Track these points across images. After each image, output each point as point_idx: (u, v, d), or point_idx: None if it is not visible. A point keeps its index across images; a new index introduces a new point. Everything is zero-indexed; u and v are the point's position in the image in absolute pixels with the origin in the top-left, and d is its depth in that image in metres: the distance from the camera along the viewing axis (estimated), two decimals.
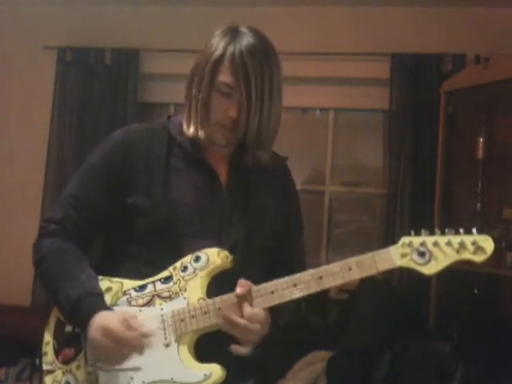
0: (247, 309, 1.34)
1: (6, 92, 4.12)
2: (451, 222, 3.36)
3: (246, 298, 1.35)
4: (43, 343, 1.48)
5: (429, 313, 3.32)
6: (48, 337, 1.47)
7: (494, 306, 3.03)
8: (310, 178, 4.00)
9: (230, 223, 1.46)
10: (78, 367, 1.41)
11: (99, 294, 1.40)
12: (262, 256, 1.51)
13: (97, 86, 3.94)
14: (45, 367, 1.46)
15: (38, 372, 3.31)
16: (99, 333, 1.34)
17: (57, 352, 1.45)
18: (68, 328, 1.45)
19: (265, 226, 1.51)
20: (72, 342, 1.43)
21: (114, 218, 1.47)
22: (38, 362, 3.38)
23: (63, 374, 1.42)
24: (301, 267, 1.60)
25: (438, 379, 2.78)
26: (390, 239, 3.53)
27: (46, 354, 1.46)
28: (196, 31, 3.78)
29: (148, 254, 1.43)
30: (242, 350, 1.35)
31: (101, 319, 1.35)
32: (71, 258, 1.44)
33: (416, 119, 3.56)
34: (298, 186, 1.66)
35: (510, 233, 3.05)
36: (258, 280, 1.38)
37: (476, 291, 2.86)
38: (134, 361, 1.37)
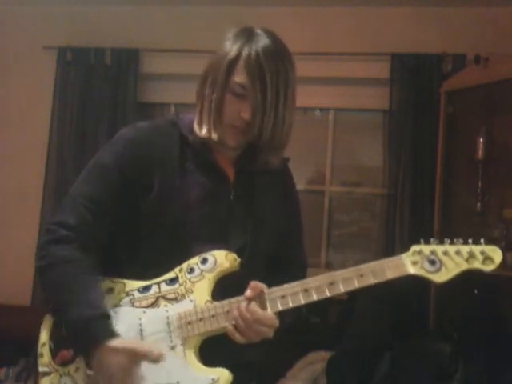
0: (259, 311, 1.32)
1: (6, 92, 4.12)
2: (451, 221, 3.35)
3: (256, 300, 1.33)
4: (39, 344, 1.43)
5: (429, 313, 3.32)
6: (44, 337, 1.42)
7: (494, 306, 3.03)
8: (310, 178, 4.00)
9: (238, 226, 1.45)
10: (77, 369, 1.37)
11: (107, 316, 1.35)
12: (266, 258, 1.51)
13: (97, 85, 3.93)
14: (41, 369, 1.41)
15: (34, 373, 3.31)
16: (115, 370, 1.30)
17: (54, 353, 1.40)
18: None
19: (269, 228, 1.51)
20: (70, 344, 1.39)
21: (124, 218, 1.43)
22: (32, 362, 3.39)
23: (60, 376, 1.38)
24: (301, 268, 1.61)
25: (438, 379, 2.77)
26: (390, 239, 3.53)
27: (41, 355, 1.41)
28: (196, 31, 3.80)
29: (155, 255, 1.41)
30: (239, 338, 1.32)
31: (110, 355, 1.30)
32: (81, 270, 1.38)
33: (416, 119, 3.56)
34: (298, 186, 1.66)
35: (510, 233, 3.05)
36: (261, 281, 1.36)
37: (476, 291, 2.86)
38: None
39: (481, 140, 3.18)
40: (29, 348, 3.22)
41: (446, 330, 3.18)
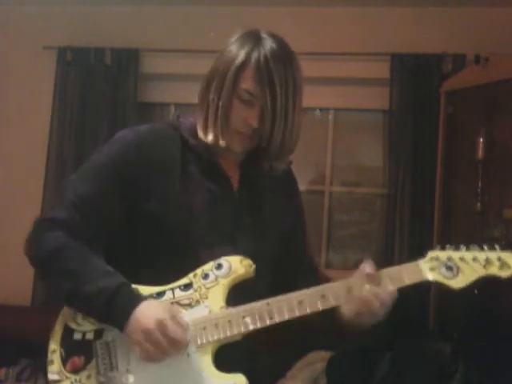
0: (378, 290, 1.32)
1: (6, 92, 4.11)
2: (451, 221, 3.35)
3: (377, 277, 1.33)
4: (49, 351, 1.38)
5: (429, 313, 3.32)
6: (54, 344, 1.38)
7: (494, 306, 3.03)
8: (310, 178, 4.00)
9: (244, 230, 1.44)
10: (89, 377, 1.34)
11: (131, 284, 1.33)
12: (273, 261, 1.49)
13: (97, 86, 3.93)
14: (51, 377, 1.36)
15: (38, 372, 3.31)
16: (152, 323, 1.26)
17: (64, 360, 1.36)
18: (77, 335, 1.37)
19: (275, 231, 1.50)
20: (81, 350, 1.36)
21: (122, 223, 1.40)
22: (33, 362, 3.37)
23: None
24: (311, 267, 1.61)
25: (438, 379, 2.77)
26: (390, 239, 3.53)
27: (52, 362, 1.37)
28: (196, 31, 3.80)
29: (160, 261, 1.39)
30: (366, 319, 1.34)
31: (151, 308, 1.29)
32: (88, 251, 1.36)
33: (416, 119, 3.56)
34: (299, 187, 1.66)
35: (510, 233, 3.05)
36: (268, 285, 1.38)
37: (476, 291, 2.86)
38: (153, 370, 1.31)
39: (481, 140, 3.18)
40: (29, 348, 3.22)
41: (446, 330, 3.18)
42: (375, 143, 3.78)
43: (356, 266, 1.37)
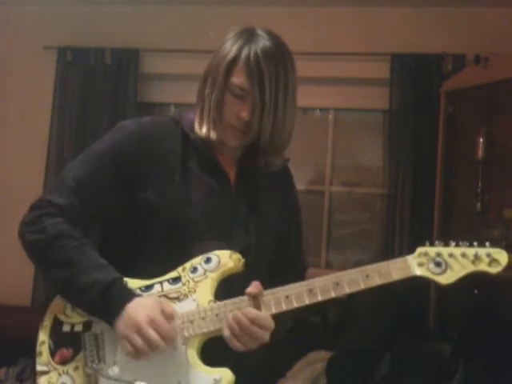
0: (253, 311, 1.31)
1: (6, 92, 4.12)
2: (451, 221, 3.35)
3: (258, 300, 1.32)
4: (37, 343, 1.40)
5: (429, 313, 3.32)
6: (43, 336, 1.40)
7: (494, 306, 3.03)
8: (310, 178, 4.00)
9: (241, 226, 1.45)
10: (76, 368, 1.35)
11: (124, 279, 1.35)
12: (268, 259, 1.50)
13: (97, 86, 3.94)
14: (39, 368, 1.38)
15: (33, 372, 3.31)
16: (143, 319, 1.27)
17: (53, 352, 1.38)
18: (66, 327, 1.39)
19: (271, 229, 1.50)
20: (70, 342, 1.37)
21: (119, 213, 1.41)
22: (32, 362, 3.38)
23: (59, 375, 1.36)
24: (302, 270, 1.60)
25: (438, 379, 2.78)
26: (390, 239, 3.53)
27: (40, 354, 1.39)
28: (196, 31, 3.80)
29: (156, 253, 1.39)
30: (237, 345, 1.31)
31: (142, 305, 1.30)
32: (86, 242, 1.37)
33: (416, 119, 3.56)
34: (298, 186, 1.66)
35: (510, 233, 3.05)
36: (263, 283, 1.36)
37: (476, 291, 2.86)
38: (139, 363, 1.31)
39: (481, 140, 3.18)
40: (29, 348, 3.22)
41: (446, 329, 3.18)
42: (375, 143, 3.78)
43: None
